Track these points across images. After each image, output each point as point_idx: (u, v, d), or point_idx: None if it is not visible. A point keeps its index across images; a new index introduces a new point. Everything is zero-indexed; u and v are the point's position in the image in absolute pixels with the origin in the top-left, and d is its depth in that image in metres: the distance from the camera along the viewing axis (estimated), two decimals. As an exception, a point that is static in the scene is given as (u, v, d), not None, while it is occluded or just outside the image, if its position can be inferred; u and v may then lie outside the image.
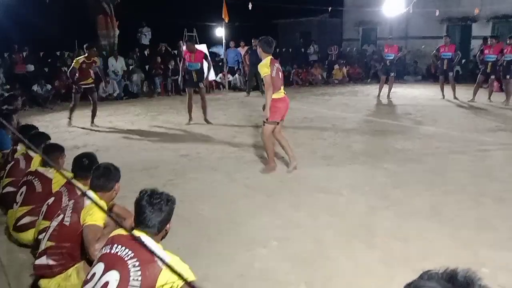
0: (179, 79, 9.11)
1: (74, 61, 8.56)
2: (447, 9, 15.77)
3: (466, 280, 1.00)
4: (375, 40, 19.21)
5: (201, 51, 8.80)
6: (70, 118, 8.86)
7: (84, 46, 8.61)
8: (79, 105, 8.89)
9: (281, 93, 5.16)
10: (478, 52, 11.67)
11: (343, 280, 3.01)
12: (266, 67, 5.01)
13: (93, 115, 8.81)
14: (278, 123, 5.27)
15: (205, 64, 8.70)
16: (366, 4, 17.30)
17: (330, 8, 16.79)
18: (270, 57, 5.14)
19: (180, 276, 0.99)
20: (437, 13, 14.47)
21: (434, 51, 11.94)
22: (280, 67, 5.32)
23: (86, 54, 8.50)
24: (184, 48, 8.96)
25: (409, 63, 17.25)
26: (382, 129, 8.05)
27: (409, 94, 12.78)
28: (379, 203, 4.42)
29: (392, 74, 11.91)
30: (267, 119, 5.17)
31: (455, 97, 11.37)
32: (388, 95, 11.95)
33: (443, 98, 11.57)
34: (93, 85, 8.73)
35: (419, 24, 17.09)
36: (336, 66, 16.56)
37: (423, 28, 17.15)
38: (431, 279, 1.04)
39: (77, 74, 8.36)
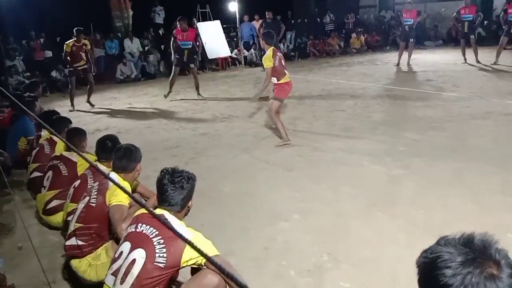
0: (172, 58, 9.22)
1: (65, 45, 8.75)
2: (467, -31, 15.11)
3: (483, 244, 1.01)
4: (393, 6, 18.62)
5: (193, 30, 9.15)
6: (72, 104, 9.03)
7: (74, 30, 8.76)
8: (99, 87, 9.04)
9: (286, 78, 5.56)
10: (502, 12, 11.19)
11: (366, 250, 3.04)
12: (269, 60, 5.41)
13: (89, 94, 9.20)
14: (283, 100, 5.71)
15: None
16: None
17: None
18: (272, 48, 5.50)
19: (200, 252, 1.01)
20: (457, -27, 13.89)
21: (455, 14, 11.53)
22: (282, 55, 5.70)
23: (75, 38, 8.66)
24: (177, 26, 9.01)
25: (429, 28, 16.73)
26: (402, 98, 7.92)
27: (430, 60, 12.45)
28: (400, 172, 4.40)
29: (412, 40, 11.54)
30: (274, 97, 5.58)
31: (477, 61, 11.02)
32: (408, 62, 11.66)
33: (465, 62, 11.24)
34: (86, 66, 8.90)
35: (438, -14, 16.49)
36: (354, 35, 16.21)
37: (443, -10, 16.54)
38: (448, 245, 1.05)
39: (69, 58, 8.66)
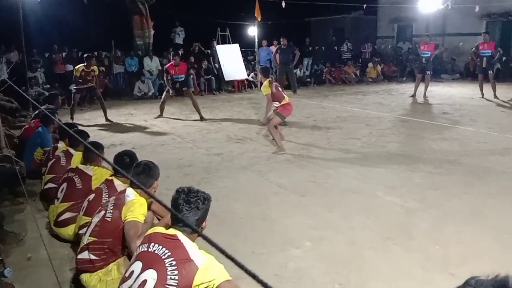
0: (169, 91, 9.32)
1: (75, 69, 9.16)
2: (486, 5, 15.19)
3: None
4: (411, 37, 18.74)
5: (184, 63, 9.59)
6: (72, 118, 9.20)
7: (84, 56, 9.17)
8: (116, 103, 9.15)
9: (286, 100, 6.51)
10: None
11: (379, 283, 2.96)
12: (267, 88, 6.49)
13: (104, 111, 9.35)
14: (284, 119, 6.74)
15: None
16: (402, 1, 16.91)
17: (364, 5, 16.50)
18: (268, 79, 6.60)
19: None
20: (476, 9, 13.97)
21: (473, 49, 11.54)
22: (278, 84, 6.88)
23: (85, 63, 8.99)
24: (172, 61, 9.37)
25: (447, 61, 16.75)
26: (418, 129, 7.86)
27: (447, 93, 12.41)
28: (416, 205, 4.32)
29: (429, 72, 11.54)
30: (277, 112, 6.47)
31: (495, 96, 10.96)
32: (425, 94, 11.64)
33: (482, 97, 11.17)
34: (93, 84, 9.20)
35: (457, 21, 16.54)
36: (370, 64, 16.28)
37: (461, 25, 16.59)
38: (480, 286, 0.99)
39: (80, 80, 9.02)
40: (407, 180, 5.08)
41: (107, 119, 9.32)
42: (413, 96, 11.69)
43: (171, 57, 9.66)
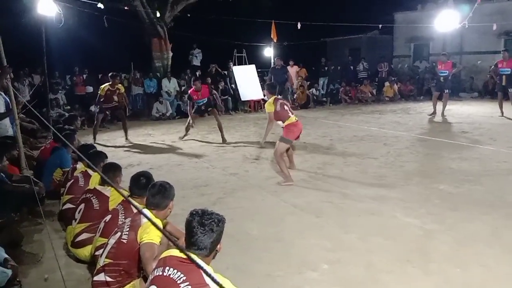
0: (190, 121, 9.31)
1: (101, 88, 9.28)
2: (504, 23, 15.08)
3: None
4: (428, 56, 18.67)
5: (206, 86, 9.46)
6: (94, 138, 9.39)
7: (109, 75, 9.31)
8: (134, 124, 9.30)
9: (291, 120, 6.04)
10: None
11: (398, 308, 2.89)
12: (270, 105, 6.15)
13: (125, 130, 9.54)
14: (291, 143, 6.18)
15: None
16: (418, 20, 16.93)
17: (380, 25, 16.56)
18: (273, 97, 6.25)
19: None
20: (494, 27, 13.86)
21: (492, 67, 11.43)
22: (285, 101, 6.40)
23: (111, 82, 9.17)
24: (193, 87, 9.17)
25: (465, 79, 16.60)
26: (437, 148, 7.75)
27: (465, 112, 12.25)
28: (435, 226, 4.23)
29: (447, 91, 11.50)
30: (282, 137, 6.00)
31: (515, 115, 10.77)
32: (443, 113, 11.52)
33: (502, 115, 10.99)
34: (117, 104, 9.35)
35: (474, 39, 16.45)
36: (387, 83, 16.22)
37: (479, 43, 16.49)
38: None
39: (102, 100, 9.19)
40: (426, 201, 4.99)
41: (127, 139, 9.47)
42: (433, 114, 11.60)
43: (192, 82, 9.54)
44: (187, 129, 9.54)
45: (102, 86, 9.32)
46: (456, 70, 12.28)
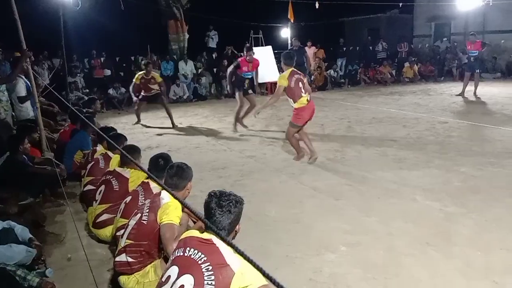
0: (228, 87, 8.67)
1: (135, 77, 9.13)
2: (530, 0, 14.54)
3: None
4: (449, 36, 18.17)
5: (256, 59, 8.45)
6: (138, 119, 9.49)
7: (142, 63, 9.03)
8: (152, 107, 9.34)
9: (302, 102, 5.60)
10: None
11: (418, 290, 2.87)
12: (284, 78, 5.52)
13: (171, 117, 9.13)
14: (301, 127, 5.82)
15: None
16: (439, -2, 16.44)
17: (400, 4, 16.14)
18: (290, 69, 5.62)
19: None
20: (519, 5, 13.39)
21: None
22: (302, 77, 5.70)
23: (144, 71, 9.03)
24: (246, 57, 8.16)
25: (487, 59, 16.12)
26: (458, 130, 7.59)
27: (488, 93, 11.92)
28: (457, 209, 4.16)
29: (478, 70, 11.46)
30: (290, 122, 5.80)
31: (541, 95, 10.47)
32: (475, 93, 11.45)
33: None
34: (158, 91, 9.09)
35: (497, 17, 15.89)
36: (407, 64, 15.88)
37: (503, 22, 15.93)
38: None
39: (141, 87, 8.97)
40: (447, 183, 4.91)
41: (174, 126, 9.05)
42: (461, 95, 11.43)
43: (244, 52, 8.35)
44: (242, 116, 8.41)
45: (137, 74, 9.20)
46: (486, 49, 12.11)
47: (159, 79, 9.24)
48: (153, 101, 9.34)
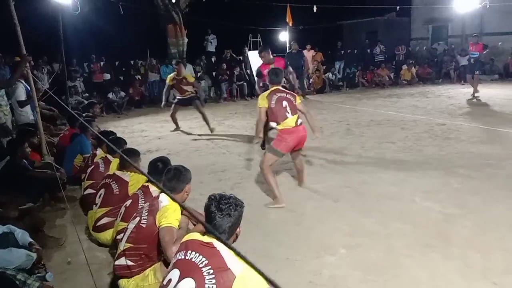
0: (258, 89, 7.39)
1: (167, 78, 8.81)
2: (527, 2, 14.62)
3: None
4: (446, 38, 18.25)
5: (280, 59, 7.34)
6: (176, 125, 9.10)
7: (173, 62, 8.74)
8: (151, 110, 9.30)
9: (288, 123, 4.55)
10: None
11: (418, 292, 2.88)
12: (262, 99, 4.66)
13: (206, 122, 8.61)
14: (281, 155, 4.66)
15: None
16: (436, 1, 16.51)
17: (398, 7, 16.21)
18: (274, 87, 4.71)
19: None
20: (517, 6, 13.46)
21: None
22: (288, 96, 4.67)
23: (176, 72, 8.70)
24: (260, 60, 7.04)
25: (485, 61, 16.16)
26: (456, 132, 7.61)
27: (485, 95, 11.94)
28: (456, 210, 4.18)
29: (477, 72, 11.52)
30: (271, 147, 4.71)
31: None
32: (473, 94, 11.48)
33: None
34: (193, 94, 8.63)
35: (494, 20, 15.97)
36: (404, 66, 15.95)
37: (500, 24, 16.01)
38: None
39: (174, 88, 8.69)
40: (446, 185, 4.93)
41: (211, 130, 8.59)
42: (473, 95, 11.50)
43: (259, 54, 7.03)
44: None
45: (169, 75, 8.89)
46: (486, 52, 12.16)
47: (192, 79, 8.84)
48: (188, 104, 8.77)
